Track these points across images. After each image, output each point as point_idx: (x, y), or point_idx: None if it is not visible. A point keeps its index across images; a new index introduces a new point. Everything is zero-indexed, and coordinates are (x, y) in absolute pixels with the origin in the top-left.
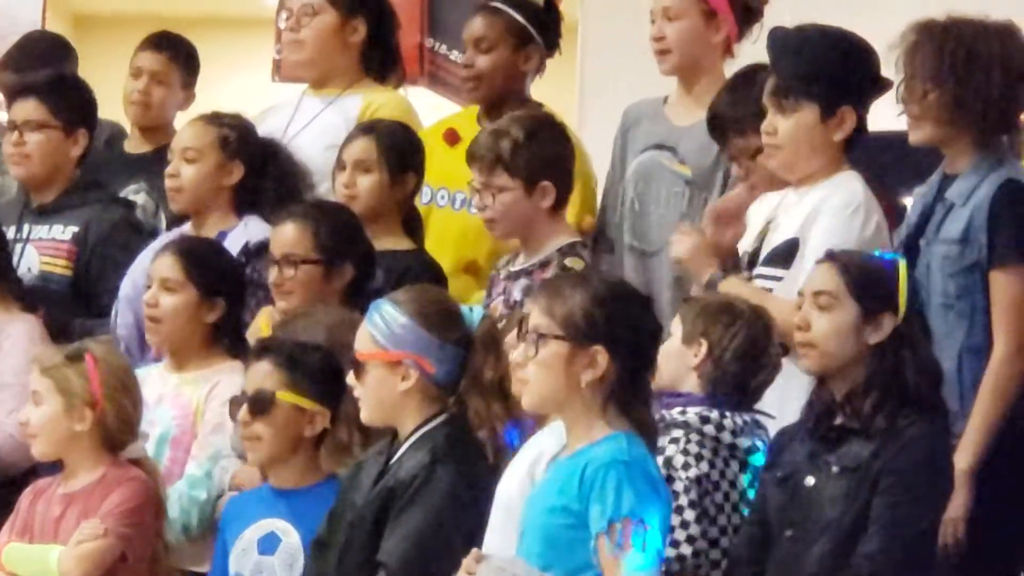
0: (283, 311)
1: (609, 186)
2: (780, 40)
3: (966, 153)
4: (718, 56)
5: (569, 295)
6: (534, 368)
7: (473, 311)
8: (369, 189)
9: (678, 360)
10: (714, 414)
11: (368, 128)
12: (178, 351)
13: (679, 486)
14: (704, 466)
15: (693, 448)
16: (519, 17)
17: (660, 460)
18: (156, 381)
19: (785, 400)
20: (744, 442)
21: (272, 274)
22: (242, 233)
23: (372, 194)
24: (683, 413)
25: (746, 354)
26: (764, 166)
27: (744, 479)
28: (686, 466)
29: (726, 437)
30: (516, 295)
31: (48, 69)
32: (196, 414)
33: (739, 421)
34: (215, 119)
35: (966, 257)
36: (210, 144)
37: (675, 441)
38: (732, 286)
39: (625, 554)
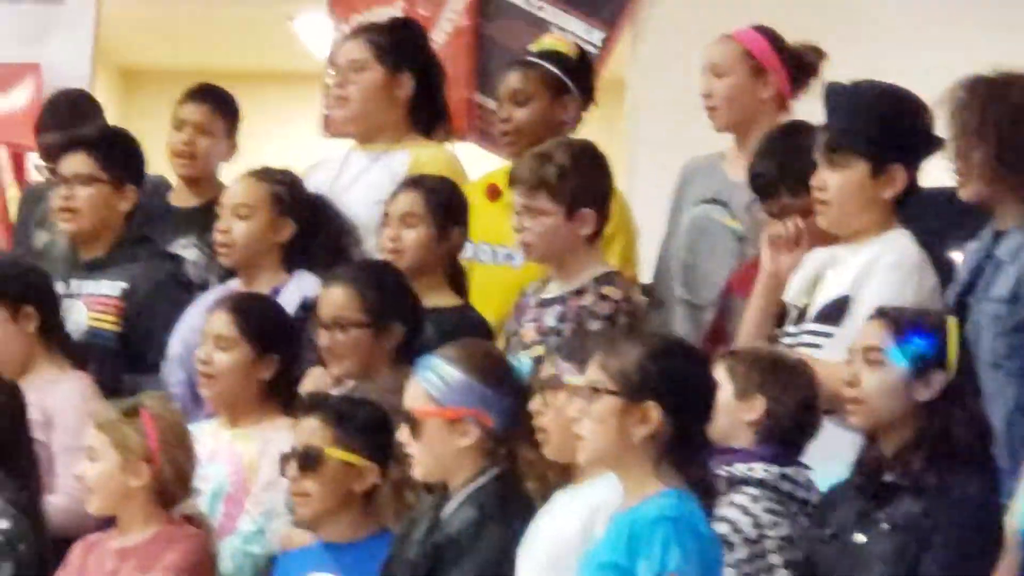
0: (335, 376)
1: (665, 243)
2: (834, 95)
3: (1014, 210)
4: (770, 111)
5: (624, 350)
6: (588, 423)
7: (521, 363)
8: (415, 243)
9: (731, 415)
10: (789, 470)
11: (414, 182)
12: (232, 407)
13: (771, 544)
14: (787, 524)
15: (775, 506)
16: (553, 68)
17: (742, 518)
18: (209, 437)
19: (828, 461)
20: (814, 497)
21: (322, 338)
22: (296, 288)
23: (418, 248)
24: (750, 469)
25: (802, 409)
26: (811, 224)
27: None
28: (774, 524)
29: (800, 493)
30: (550, 322)
31: (83, 123)
32: (249, 470)
33: (806, 476)
34: (267, 175)
35: (1015, 316)
36: (262, 200)
37: (756, 499)
38: None
39: None
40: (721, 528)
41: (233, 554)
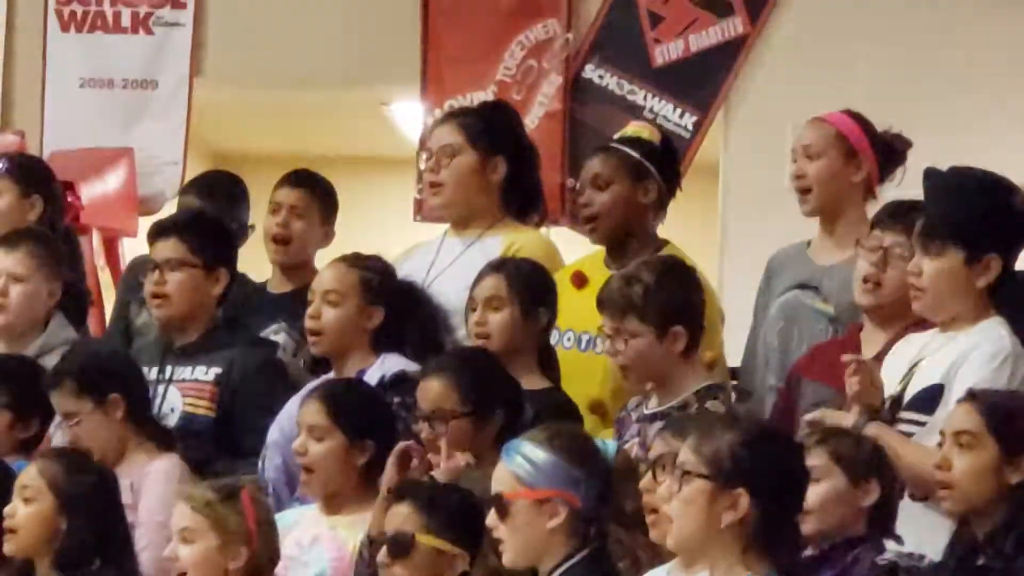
0: (439, 465)
1: (752, 333)
2: (931, 181)
3: None
4: (859, 196)
5: (719, 435)
6: (677, 504)
7: (606, 444)
8: (501, 326)
9: (847, 503)
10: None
11: (497, 265)
12: (332, 496)
13: None
14: None
15: None
16: (633, 153)
17: None
18: (310, 523)
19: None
20: None
21: (424, 431)
22: (379, 369)
23: (504, 330)
24: (919, 558)
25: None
26: (900, 274)
27: None
28: None
29: None
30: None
31: (224, 204)
32: (353, 555)
33: None
34: (357, 261)
35: None
36: (352, 287)
37: None
38: (876, 431)
39: None
40: None
41: None
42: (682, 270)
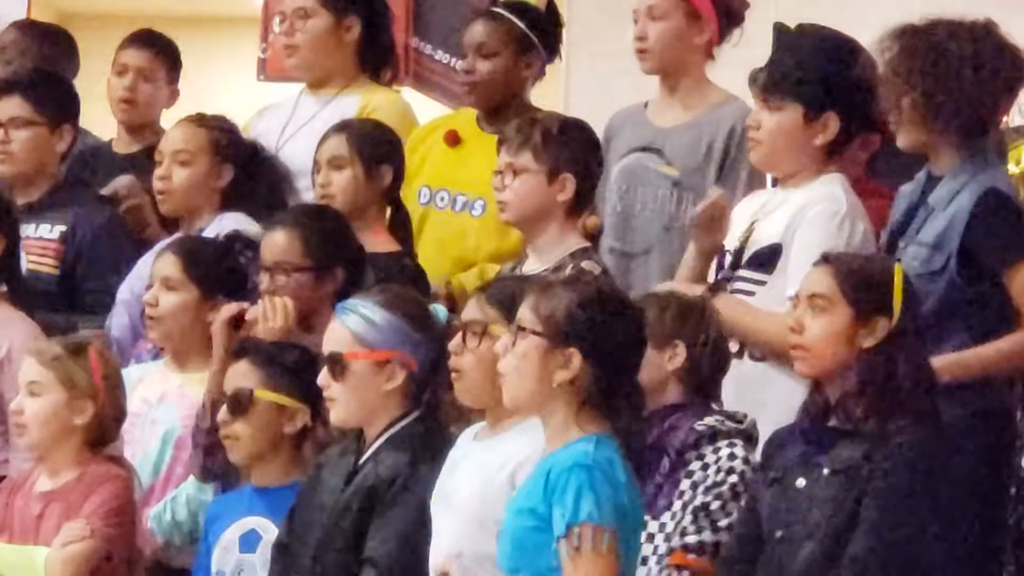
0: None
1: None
2: (778, 36)
3: (948, 155)
4: (701, 58)
5: (557, 294)
6: (511, 359)
7: (437, 309)
8: (343, 185)
9: (653, 366)
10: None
11: (341, 126)
12: (179, 350)
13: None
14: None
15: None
16: (521, 24)
17: (747, 469)
18: (157, 379)
19: (760, 404)
20: None
21: (264, 282)
22: (215, 227)
23: (347, 190)
24: (722, 423)
25: (717, 348)
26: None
27: None
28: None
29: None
30: None
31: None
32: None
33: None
34: (205, 121)
35: (933, 263)
36: (202, 146)
37: (746, 449)
38: (725, 304)
39: (581, 559)
40: (732, 479)
41: (188, 501)
42: (585, 129)
